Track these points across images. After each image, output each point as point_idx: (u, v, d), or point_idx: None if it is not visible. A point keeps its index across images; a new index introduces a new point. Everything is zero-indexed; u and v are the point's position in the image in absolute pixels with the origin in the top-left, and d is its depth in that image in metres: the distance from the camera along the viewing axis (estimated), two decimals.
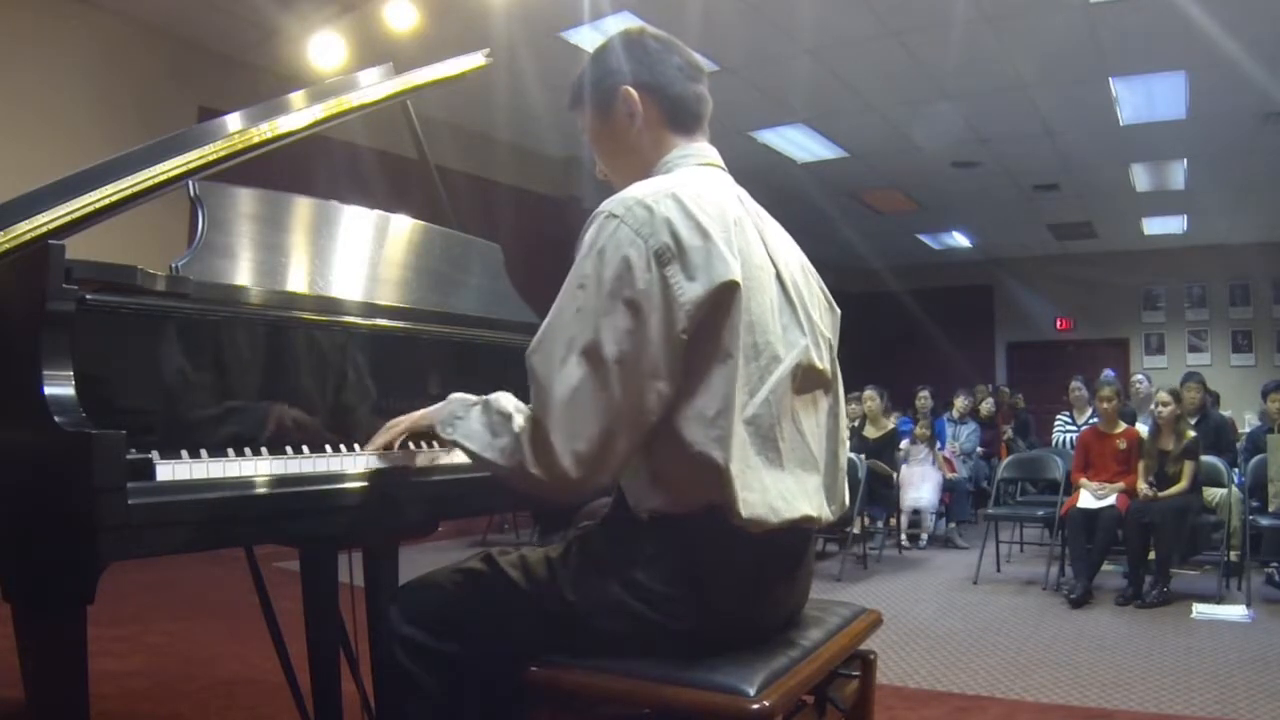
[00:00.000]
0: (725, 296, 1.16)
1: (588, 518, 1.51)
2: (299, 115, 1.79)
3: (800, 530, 1.26)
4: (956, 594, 4.82)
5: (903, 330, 12.21)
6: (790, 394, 1.24)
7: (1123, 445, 4.88)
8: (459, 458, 1.57)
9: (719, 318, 1.16)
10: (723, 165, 1.39)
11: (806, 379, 1.28)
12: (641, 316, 1.13)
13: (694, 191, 1.22)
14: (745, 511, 1.16)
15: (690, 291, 1.14)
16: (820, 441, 1.32)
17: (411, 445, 1.56)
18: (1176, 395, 4.81)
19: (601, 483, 1.19)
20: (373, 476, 1.40)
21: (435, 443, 1.58)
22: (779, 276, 1.28)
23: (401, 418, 1.44)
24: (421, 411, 1.39)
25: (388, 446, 1.43)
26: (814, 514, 1.26)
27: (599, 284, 1.15)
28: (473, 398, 1.29)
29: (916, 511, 6.46)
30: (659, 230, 1.16)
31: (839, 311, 1.45)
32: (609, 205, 1.20)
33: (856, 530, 5.43)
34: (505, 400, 1.23)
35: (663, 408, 1.15)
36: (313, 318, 1.54)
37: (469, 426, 1.25)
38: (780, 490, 1.21)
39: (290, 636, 1.96)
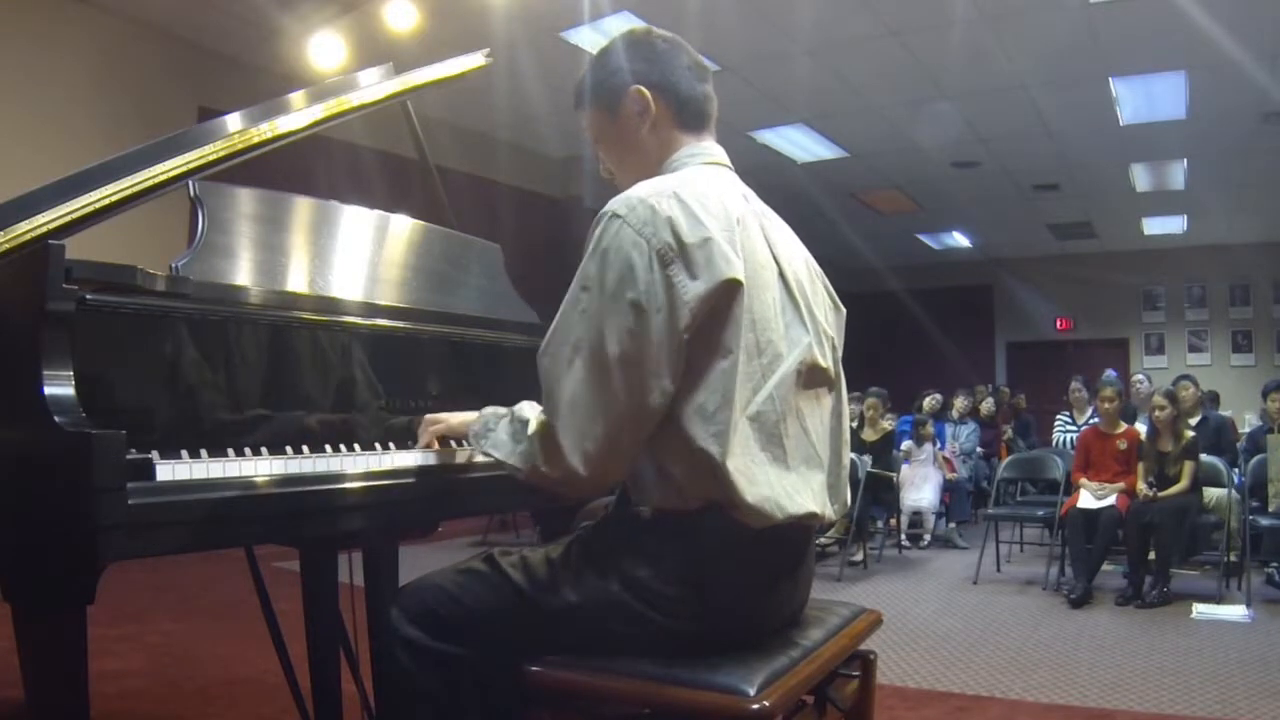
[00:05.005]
0: (727, 294, 1.17)
1: (588, 518, 1.51)
2: (299, 115, 1.80)
3: (802, 528, 1.26)
4: (956, 594, 4.82)
5: (903, 330, 12.21)
6: (794, 392, 1.25)
7: (1123, 445, 4.87)
8: (463, 457, 1.57)
9: (720, 315, 1.17)
10: (729, 164, 1.39)
11: (810, 377, 1.28)
12: (645, 316, 1.14)
13: (697, 190, 1.22)
14: (751, 506, 1.16)
15: (693, 290, 1.15)
16: (824, 439, 1.32)
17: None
18: (1172, 397, 4.80)
19: (612, 480, 1.23)
20: (373, 477, 1.40)
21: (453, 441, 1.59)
22: (782, 275, 1.28)
23: (440, 420, 1.49)
24: (461, 418, 1.45)
25: (428, 445, 1.50)
26: (819, 511, 1.27)
27: (602, 286, 1.16)
28: (503, 410, 1.33)
29: (917, 512, 6.46)
30: (661, 229, 1.16)
31: (844, 310, 1.46)
32: (613, 205, 1.21)
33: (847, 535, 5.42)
34: (527, 408, 1.27)
35: (666, 405, 1.16)
36: (313, 318, 1.54)
37: (498, 437, 1.29)
38: (785, 487, 1.21)
39: (290, 636, 1.96)
